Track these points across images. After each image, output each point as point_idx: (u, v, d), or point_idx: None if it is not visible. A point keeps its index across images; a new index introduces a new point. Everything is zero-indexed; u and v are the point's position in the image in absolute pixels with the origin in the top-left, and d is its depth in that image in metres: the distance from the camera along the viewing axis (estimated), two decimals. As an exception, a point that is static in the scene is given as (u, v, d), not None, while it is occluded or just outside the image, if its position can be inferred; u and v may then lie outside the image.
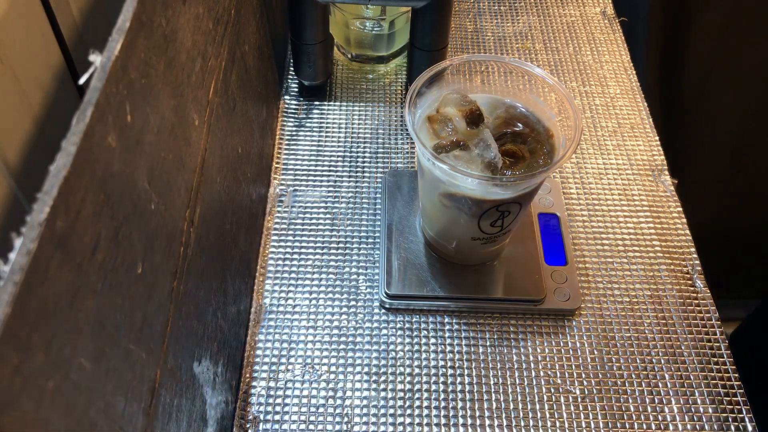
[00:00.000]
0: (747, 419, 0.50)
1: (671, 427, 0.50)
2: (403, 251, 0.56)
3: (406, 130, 0.66)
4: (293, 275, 0.57)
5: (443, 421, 0.49)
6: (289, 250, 0.58)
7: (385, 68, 0.73)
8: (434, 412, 0.50)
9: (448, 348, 0.53)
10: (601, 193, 0.63)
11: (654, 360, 0.53)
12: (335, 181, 0.63)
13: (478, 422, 0.49)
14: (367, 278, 0.57)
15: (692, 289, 0.57)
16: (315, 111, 0.69)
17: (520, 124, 0.51)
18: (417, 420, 0.49)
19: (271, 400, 0.50)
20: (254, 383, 0.51)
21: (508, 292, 0.55)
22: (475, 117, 0.50)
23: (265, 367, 0.52)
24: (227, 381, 0.47)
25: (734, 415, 0.50)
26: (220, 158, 0.45)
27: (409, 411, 0.50)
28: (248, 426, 0.49)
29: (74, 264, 0.24)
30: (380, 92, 0.71)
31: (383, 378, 0.51)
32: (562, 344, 0.53)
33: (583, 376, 0.52)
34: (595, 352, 0.53)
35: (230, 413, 0.48)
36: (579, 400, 0.51)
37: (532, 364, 0.52)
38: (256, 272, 0.57)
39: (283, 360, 0.52)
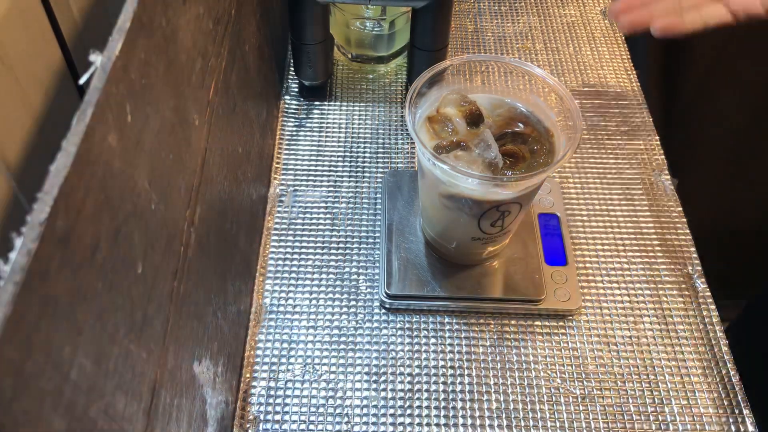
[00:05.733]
0: (747, 419, 0.50)
1: (671, 427, 0.50)
2: (403, 251, 0.56)
3: (406, 130, 0.66)
4: (293, 275, 0.57)
5: (443, 421, 0.49)
6: (289, 250, 0.58)
7: (386, 68, 0.73)
8: (434, 412, 0.50)
9: (448, 348, 0.53)
10: (601, 193, 0.63)
11: (654, 360, 0.53)
12: (335, 181, 0.63)
13: (478, 422, 0.49)
14: (367, 278, 0.57)
15: (692, 289, 0.57)
16: (315, 111, 0.69)
17: (520, 124, 0.51)
18: (417, 420, 0.49)
19: (271, 400, 0.50)
20: (254, 383, 0.51)
21: (508, 292, 0.55)
22: (475, 117, 0.50)
23: (265, 367, 0.52)
24: (227, 381, 0.47)
25: (734, 416, 0.50)
26: (220, 158, 0.45)
27: (409, 411, 0.50)
28: (248, 426, 0.49)
29: (74, 264, 0.24)
30: (380, 92, 0.71)
31: (383, 378, 0.51)
32: (562, 344, 0.53)
33: (583, 376, 0.52)
34: (595, 352, 0.53)
35: (230, 413, 0.48)
36: (579, 400, 0.51)
37: (532, 364, 0.52)
38: (256, 272, 0.57)
39: (283, 360, 0.52)
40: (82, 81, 0.26)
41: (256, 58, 0.56)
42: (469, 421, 0.50)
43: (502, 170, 0.48)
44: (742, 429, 0.50)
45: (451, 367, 0.52)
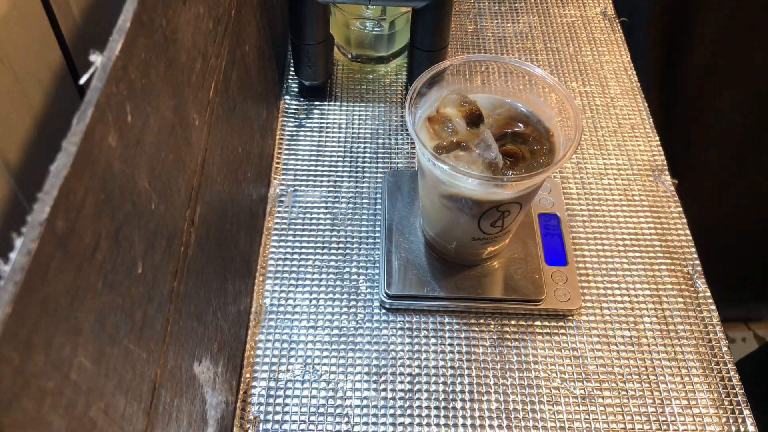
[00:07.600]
0: (747, 419, 0.50)
1: (671, 427, 0.50)
2: (404, 251, 0.56)
3: (406, 130, 0.66)
4: (293, 275, 0.57)
5: (443, 421, 0.49)
6: (289, 250, 0.58)
7: (386, 68, 0.73)
8: (434, 412, 0.50)
9: (448, 348, 0.53)
10: (601, 193, 0.63)
11: (654, 360, 0.53)
12: (335, 181, 0.63)
13: (478, 422, 0.49)
14: (367, 278, 0.57)
15: (692, 289, 0.57)
16: (315, 111, 0.69)
17: (520, 125, 0.51)
18: (417, 420, 0.49)
19: (271, 400, 0.50)
20: (254, 383, 0.51)
21: (509, 292, 0.55)
22: (475, 117, 0.50)
23: (265, 367, 0.52)
24: (227, 381, 0.47)
25: (734, 416, 0.50)
26: (220, 158, 0.45)
27: (409, 411, 0.50)
28: (248, 426, 0.49)
29: (74, 264, 0.24)
30: (380, 92, 0.71)
31: (383, 378, 0.51)
32: (562, 344, 0.53)
33: (583, 376, 0.52)
34: (595, 352, 0.53)
35: (230, 413, 0.48)
36: (579, 400, 0.51)
37: (532, 364, 0.52)
38: (256, 272, 0.57)
39: (283, 360, 0.52)
40: (82, 81, 0.26)
41: (256, 58, 0.56)
42: (469, 421, 0.50)
43: (502, 170, 0.48)
44: (742, 429, 0.50)
45: (451, 367, 0.52)
